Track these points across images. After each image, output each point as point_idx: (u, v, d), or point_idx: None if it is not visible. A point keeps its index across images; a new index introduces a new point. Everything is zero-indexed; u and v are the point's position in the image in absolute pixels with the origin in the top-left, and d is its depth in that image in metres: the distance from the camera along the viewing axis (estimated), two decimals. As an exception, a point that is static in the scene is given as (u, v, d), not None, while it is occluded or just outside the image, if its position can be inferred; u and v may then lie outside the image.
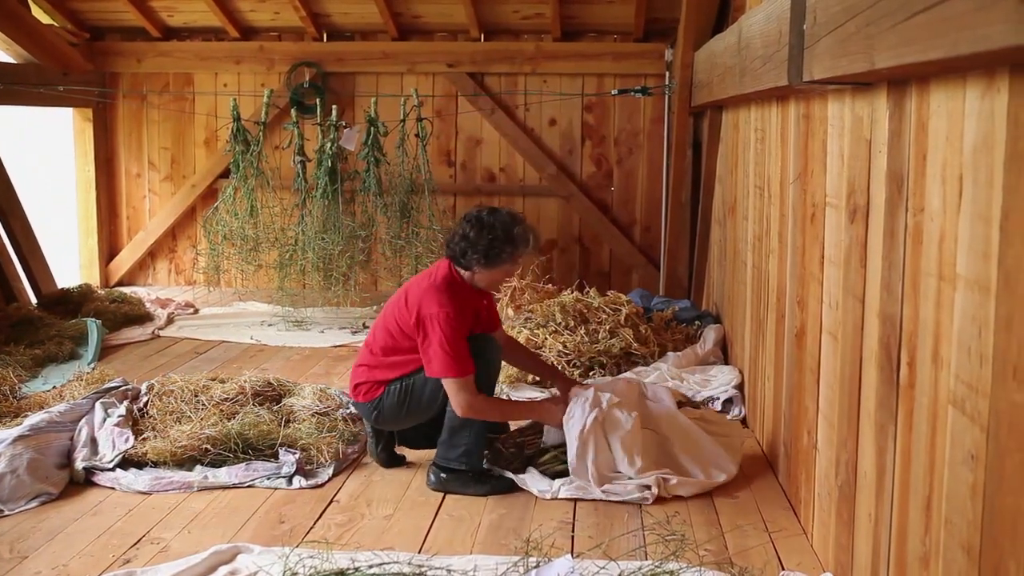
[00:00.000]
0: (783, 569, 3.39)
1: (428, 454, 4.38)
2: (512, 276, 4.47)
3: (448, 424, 4.14)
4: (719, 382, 5.46)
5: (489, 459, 4.24)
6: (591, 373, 5.71)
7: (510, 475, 4.12)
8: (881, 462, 2.72)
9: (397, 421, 4.25)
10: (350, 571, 2.98)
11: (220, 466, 4.26)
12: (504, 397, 4.65)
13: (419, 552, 3.51)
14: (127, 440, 4.35)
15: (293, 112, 8.23)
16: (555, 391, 4.62)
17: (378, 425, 4.31)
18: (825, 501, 3.38)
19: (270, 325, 7.46)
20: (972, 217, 2.07)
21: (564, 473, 4.08)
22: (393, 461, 4.42)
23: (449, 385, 3.99)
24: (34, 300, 7.63)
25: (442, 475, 4.14)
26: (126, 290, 8.45)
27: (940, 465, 2.26)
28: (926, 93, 2.36)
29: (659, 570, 3.11)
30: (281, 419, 4.64)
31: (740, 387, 5.35)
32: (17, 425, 4.36)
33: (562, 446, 4.15)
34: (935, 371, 2.30)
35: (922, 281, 2.39)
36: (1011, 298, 1.87)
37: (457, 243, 4.11)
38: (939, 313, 2.28)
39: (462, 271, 4.16)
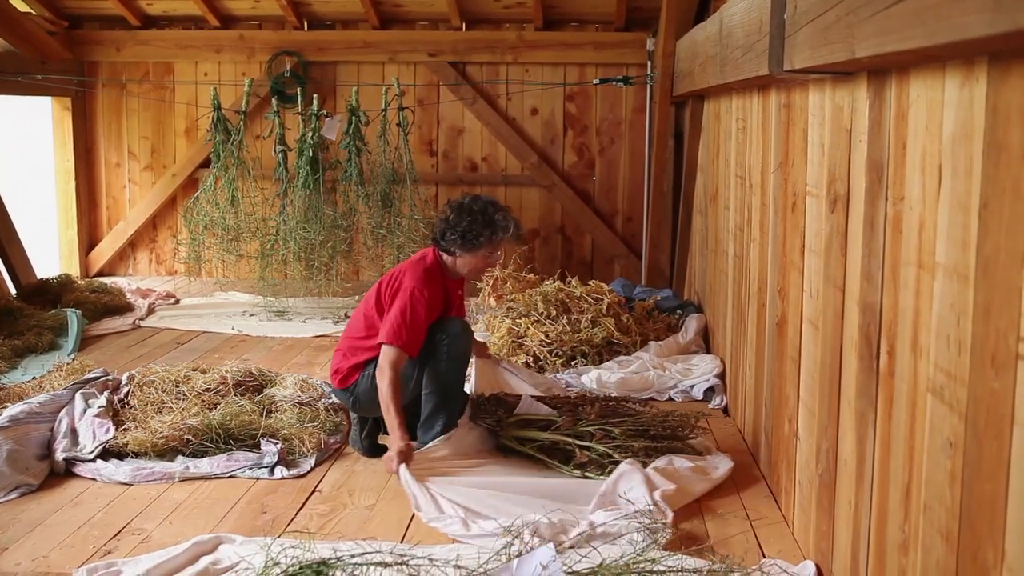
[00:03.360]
0: (764, 557, 3.41)
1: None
2: (493, 264, 4.48)
3: (424, 408, 4.25)
4: (701, 371, 5.48)
5: (471, 413, 4.37)
6: (573, 363, 5.72)
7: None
8: (861, 450, 2.73)
9: (373, 406, 4.27)
10: (332, 561, 2.98)
11: (201, 456, 4.25)
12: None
13: (401, 541, 3.51)
14: (108, 431, 4.33)
15: (274, 101, 8.22)
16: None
17: (356, 411, 4.36)
18: (806, 489, 3.40)
19: (251, 315, 7.43)
20: (951, 206, 2.08)
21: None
22: (375, 450, 4.42)
23: (387, 351, 4.08)
24: (13, 290, 7.59)
25: None
26: (106, 280, 8.41)
27: (919, 452, 2.27)
28: (906, 82, 2.37)
29: (640, 558, 3.12)
30: (263, 409, 4.63)
31: (722, 376, 5.38)
32: (-4, 416, 4.34)
33: (539, 415, 4.33)
34: (914, 359, 2.31)
35: (902, 270, 2.40)
36: (989, 286, 1.88)
37: (439, 226, 4.23)
38: (918, 301, 2.29)
39: (445, 256, 4.27)
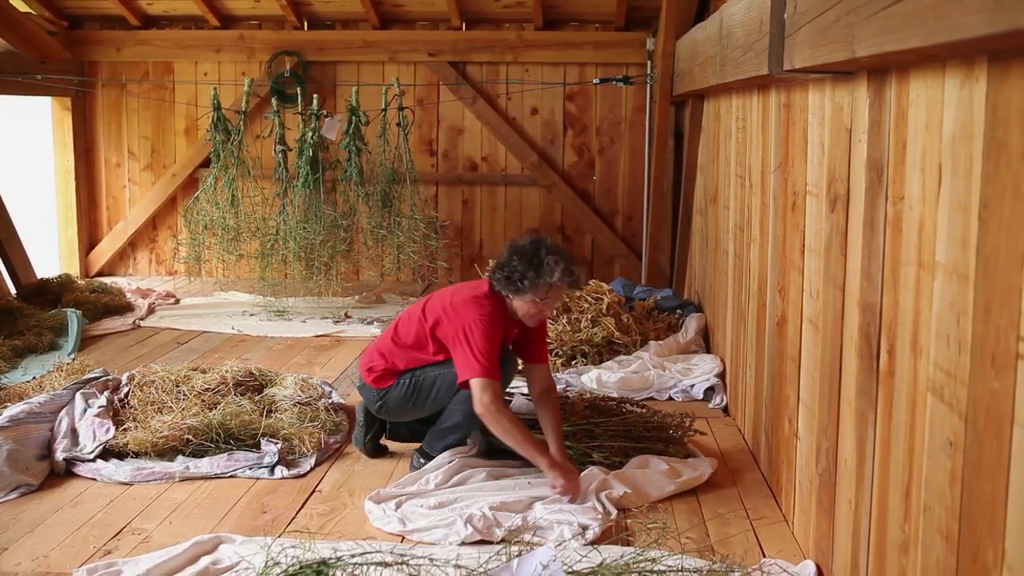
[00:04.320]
0: (764, 556, 3.41)
1: (411, 444, 4.40)
2: (549, 313, 4.21)
3: (444, 418, 4.17)
4: (701, 371, 5.48)
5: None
6: (573, 362, 5.72)
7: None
8: (861, 449, 2.73)
9: (401, 413, 4.23)
10: (332, 561, 2.98)
11: (202, 456, 4.25)
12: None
13: (401, 541, 3.51)
14: (108, 431, 4.33)
15: (274, 101, 8.22)
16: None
17: (380, 415, 4.28)
18: (806, 489, 3.40)
19: (251, 315, 7.43)
20: (951, 205, 2.08)
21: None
22: (378, 451, 4.42)
23: (475, 385, 3.85)
24: (13, 290, 7.59)
25: (421, 461, 4.19)
26: (106, 280, 8.41)
27: (919, 452, 2.27)
28: (905, 82, 2.37)
29: (641, 558, 3.12)
30: (263, 409, 4.63)
31: (722, 376, 5.37)
32: (-4, 416, 4.34)
33: (526, 415, 4.29)
34: (914, 359, 2.31)
35: (902, 269, 2.40)
36: (989, 286, 1.88)
37: (495, 270, 4.01)
38: (918, 301, 2.29)
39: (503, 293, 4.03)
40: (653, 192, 7.90)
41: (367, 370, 4.22)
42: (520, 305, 3.98)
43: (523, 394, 4.62)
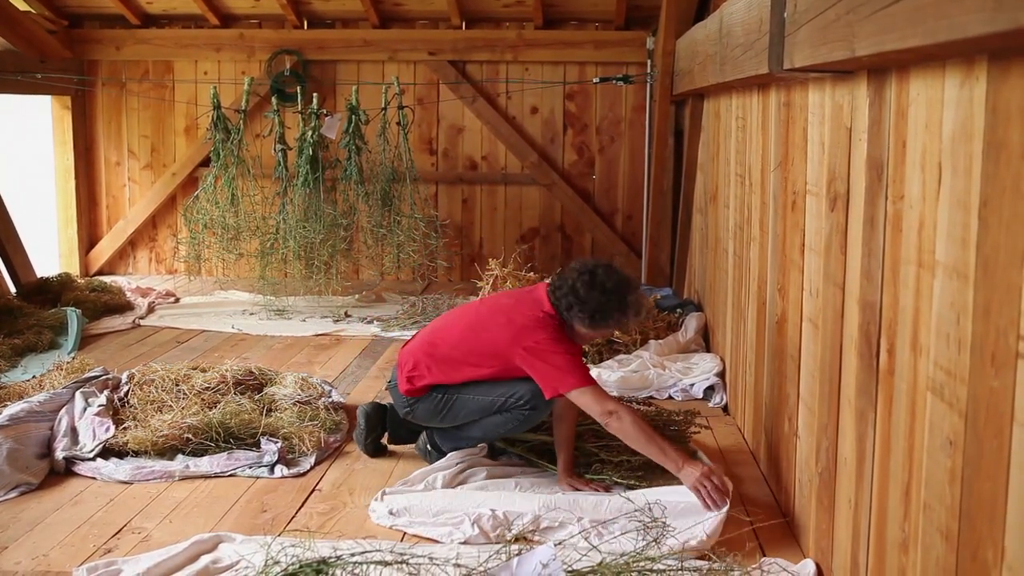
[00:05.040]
0: (764, 556, 3.41)
1: (410, 445, 4.42)
2: (607, 337, 4.14)
3: (466, 430, 4.13)
4: (701, 370, 5.48)
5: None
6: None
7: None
8: (861, 448, 2.73)
9: (427, 423, 4.19)
10: (332, 560, 2.98)
11: (201, 455, 4.25)
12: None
13: (401, 540, 3.51)
14: (108, 430, 4.33)
15: (274, 100, 8.22)
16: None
17: (408, 417, 4.19)
18: (805, 488, 3.40)
19: (251, 314, 7.43)
20: (951, 204, 2.08)
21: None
22: (378, 451, 4.42)
23: (584, 396, 3.72)
24: (13, 289, 7.59)
25: (428, 447, 4.22)
26: (106, 279, 8.41)
27: (919, 451, 2.27)
28: (906, 81, 2.37)
29: (641, 557, 3.12)
30: (263, 408, 4.63)
31: (722, 375, 5.37)
32: (-4, 415, 4.34)
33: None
34: (914, 358, 2.31)
35: (901, 268, 2.40)
36: (989, 285, 1.88)
37: (564, 295, 3.83)
38: (918, 300, 2.29)
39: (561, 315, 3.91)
40: (653, 191, 7.89)
41: (407, 379, 4.08)
42: (586, 334, 3.91)
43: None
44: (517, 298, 4.06)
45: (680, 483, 3.65)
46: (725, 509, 3.49)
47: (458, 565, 3.13)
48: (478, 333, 3.98)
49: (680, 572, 3.09)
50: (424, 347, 4.10)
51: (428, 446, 4.23)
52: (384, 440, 4.46)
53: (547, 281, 4.00)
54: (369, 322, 7.15)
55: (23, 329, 6.28)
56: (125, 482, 4.08)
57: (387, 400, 4.43)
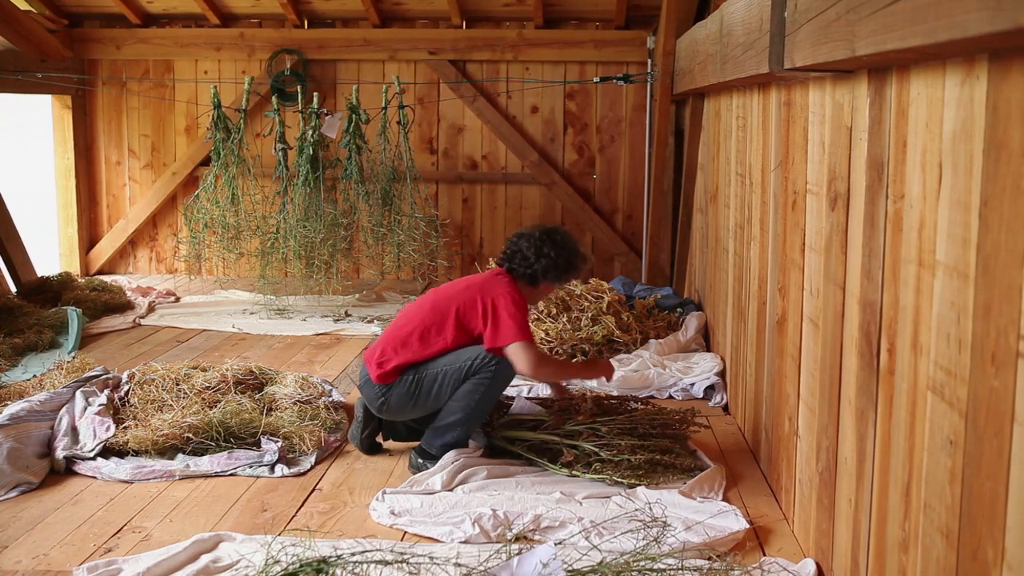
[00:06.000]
0: (764, 555, 3.41)
1: (409, 444, 4.41)
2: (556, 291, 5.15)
3: (444, 415, 4.18)
4: (701, 369, 5.48)
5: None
6: (573, 360, 5.72)
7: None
8: (861, 448, 2.73)
9: (401, 411, 4.23)
10: (332, 559, 2.98)
11: (202, 455, 4.26)
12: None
13: (401, 540, 3.51)
14: (108, 429, 4.33)
15: (274, 99, 8.22)
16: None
17: (381, 414, 4.28)
18: (806, 487, 3.40)
19: (252, 313, 7.43)
20: (951, 204, 2.08)
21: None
22: (374, 448, 4.42)
23: (517, 349, 4.08)
24: (13, 288, 7.59)
25: (420, 460, 4.19)
26: (107, 278, 8.41)
27: (919, 450, 2.27)
28: (906, 80, 2.37)
29: (641, 556, 3.13)
30: (263, 407, 4.63)
31: (722, 374, 5.37)
32: (-3, 414, 4.34)
33: (529, 415, 4.33)
34: (914, 357, 2.31)
35: (902, 268, 2.40)
36: (989, 284, 1.88)
37: (528, 257, 4.27)
38: (918, 300, 2.29)
39: (520, 283, 4.33)
40: (653, 190, 7.90)
41: (376, 364, 4.20)
42: (546, 290, 4.39)
43: (527, 398, 4.63)
44: (472, 277, 4.42)
45: (682, 491, 3.82)
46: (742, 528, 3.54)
47: (458, 564, 3.13)
48: (439, 305, 4.23)
49: (680, 572, 3.09)
50: (389, 336, 4.27)
51: (419, 459, 4.21)
52: (380, 440, 4.46)
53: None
54: (369, 321, 7.15)
55: (23, 328, 6.29)
56: (125, 481, 4.08)
57: None
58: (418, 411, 4.23)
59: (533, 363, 4.08)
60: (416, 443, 4.29)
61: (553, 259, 4.25)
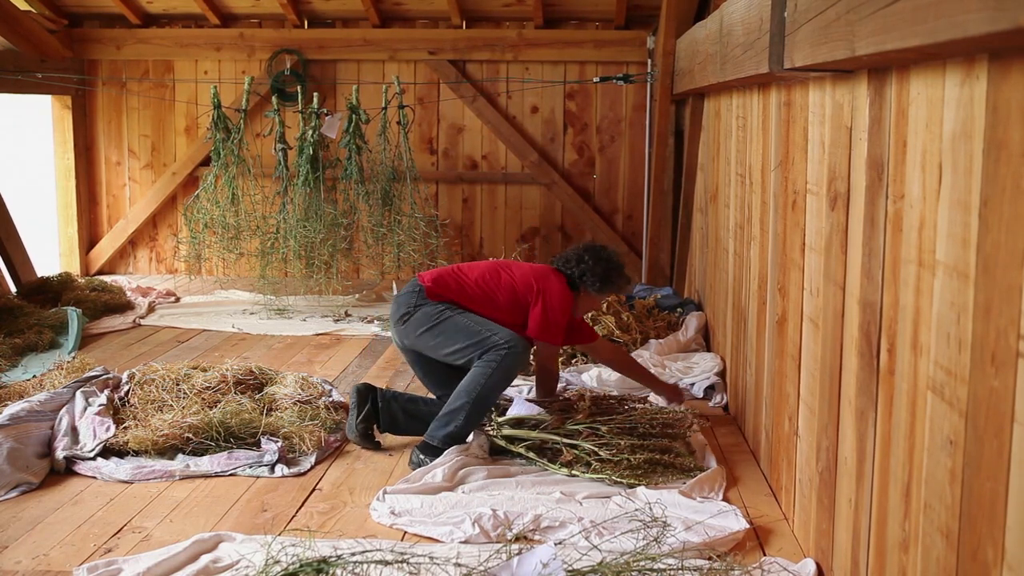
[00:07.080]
0: (764, 555, 3.41)
1: (407, 440, 4.44)
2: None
3: (451, 401, 4.26)
4: (701, 369, 5.48)
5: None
6: (573, 360, 5.72)
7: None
8: (861, 448, 2.73)
9: (412, 331, 4.42)
10: (332, 559, 2.98)
11: (202, 455, 4.25)
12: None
13: (402, 540, 3.51)
14: (108, 429, 4.33)
15: (274, 99, 8.22)
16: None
17: (397, 327, 4.49)
18: (806, 487, 3.40)
19: (252, 313, 7.43)
20: (951, 204, 2.08)
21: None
22: (368, 438, 4.43)
23: (548, 347, 4.55)
24: (13, 289, 7.59)
25: (420, 456, 4.22)
26: (107, 279, 8.41)
27: (919, 450, 2.27)
28: (906, 80, 2.37)
29: (641, 556, 3.13)
30: (263, 407, 4.63)
31: (722, 374, 5.37)
32: (-3, 415, 4.34)
33: (529, 415, 4.35)
34: (914, 357, 2.31)
35: (902, 268, 2.40)
36: (989, 284, 1.88)
37: (577, 266, 4.58)
38: (918, 299, 2.29)
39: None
40: (653, 190, 7.89)
41: (433, 279, 4.47)
42: (588, 301, 4.66)
43: (526, 397, 4.64)
44: (530, 264, 4.73)
45: (683, 491, 3.82)
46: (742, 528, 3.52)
47: (458, 564, 3.13)
48: (500, 273, 4.53)
49: (680, 572, 3.09)
50: (452, 271, 4.57)
51: (420, 455, 4.22)
52: (379, 437, 4.47)
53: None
54: (369, 321, 7.15)
55: (24, 328, 6.28)
56: (125, 481, 4.08)
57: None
58: (424, 340, 4.40)
59: (548, 357, 4.61)
60: (415, 438, 4.30)
61: (591, 266, 4.53)
